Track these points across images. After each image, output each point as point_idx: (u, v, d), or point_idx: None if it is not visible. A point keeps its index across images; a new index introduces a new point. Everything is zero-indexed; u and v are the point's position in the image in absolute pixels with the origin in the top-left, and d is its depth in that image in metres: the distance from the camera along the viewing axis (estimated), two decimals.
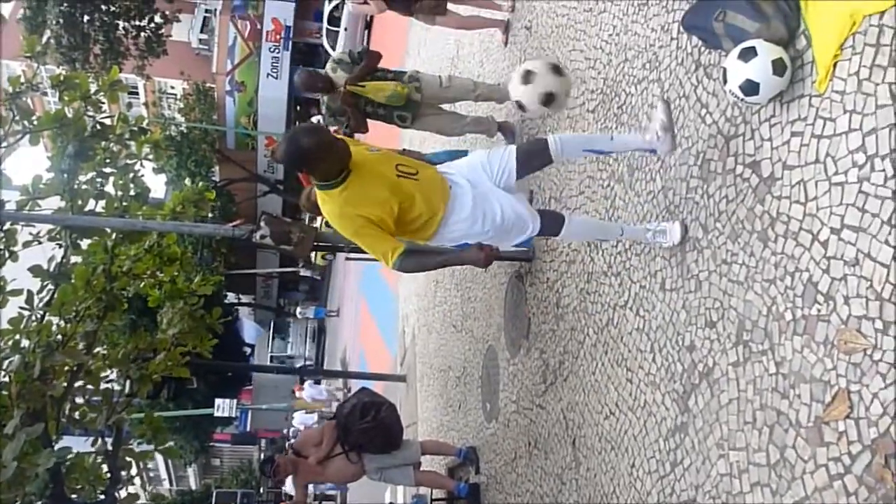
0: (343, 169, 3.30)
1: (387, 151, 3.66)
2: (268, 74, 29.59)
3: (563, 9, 5.28)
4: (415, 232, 3.54)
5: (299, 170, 3.54)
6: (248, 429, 39.23)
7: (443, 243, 3.64)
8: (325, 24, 25.31)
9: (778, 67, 2.69)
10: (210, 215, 10.37)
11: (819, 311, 2.53)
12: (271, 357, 34.28)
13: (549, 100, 3.83)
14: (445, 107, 6.05)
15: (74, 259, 6.96)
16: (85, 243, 7.03)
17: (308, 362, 31.83)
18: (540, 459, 5.13)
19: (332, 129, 5.73)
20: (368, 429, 6.37)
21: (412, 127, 5.99)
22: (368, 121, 5.91)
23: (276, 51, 29.10)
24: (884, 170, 2.32)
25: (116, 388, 7.54)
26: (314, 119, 23.27)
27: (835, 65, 2.55)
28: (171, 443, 9.71)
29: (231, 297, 41.03)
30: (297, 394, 22.40)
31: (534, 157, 3.62)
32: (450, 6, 6.51)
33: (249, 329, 45.37)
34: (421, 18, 6.50)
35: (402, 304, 12.72)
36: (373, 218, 3.32)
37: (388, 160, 3.50)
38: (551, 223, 3.62)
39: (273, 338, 35.02)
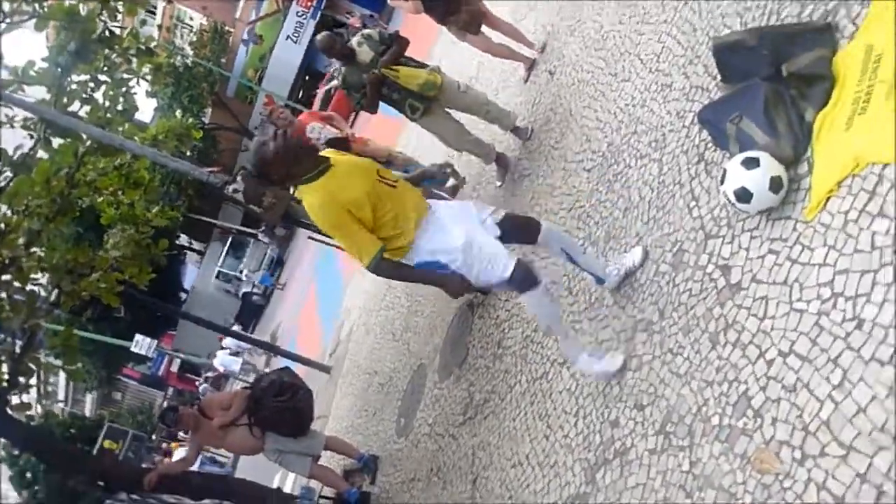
0: (320, 163, 3.34)
1: (371, 161, 3.69)
2: (288, 36, 29.41)
3: (591, 66, 5.34)
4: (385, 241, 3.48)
5: (274, 176, 3.37)
6: (160, 372, 38.51)
7: (413, 261, 3.55)
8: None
9: (775, 184, 2.75)
10: (189, 153, 10.25)
11: (745, 424, 2.57)
12: (218, 272, 31.94)
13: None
14: (455, 115, 6.06)
15: (42, 154, 6.81)
16: (57, 142, 6.90)
17: (255, 290, 30.38)
18: (437, 488, 5.11)
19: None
20: (281, 408, 6.30)
21: (419, 121, 5.98)
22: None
23: (304, 16, 28.97)
24: (844, 311, 2.37)
25: (42, 293, 7.37)
26: (319, 91, 23.19)
27: (828, 199, 2.62)
28: (80, 364, 9.52)
29: (183, 240, 40.47)
30: (223, 342, 21.54)
31: (522, 232, 3.66)
32: (483, 28, 6.56)
33: (191, 275, 44.65)
34: (453, 31, 6.53)
35: (348, 297, 12.66)
36: (353, 210, 3.29)
37: (370, 165, 3.55)
38: (524, 278, 3.48)
39: (227, 253, 32.10)
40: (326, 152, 3.52)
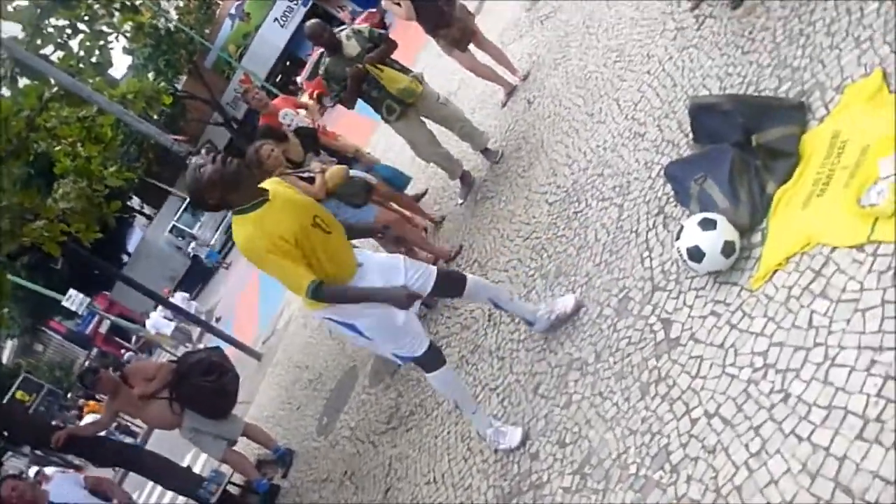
0: (257, 195, 3.17)
1: (312, 202, 3.48)
2: (276, 19, 29.22)
3: (569, 102, 5.40)
4: None
5: (209, 201, 3.17)
6: (87, 331, 37.52)
7: (330, 316, 3.42)
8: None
9: (727, 249, 2.81)
10: (156, 117, 10.09)
11: (661, 478, 2.61)
12: (173, 226, 30.07)
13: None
14: (429, 125, 6.06)
15: (5, 92, 6.64)
16: (23, 83, 6.73)
17: (210, 253, 29.10)
18: (348, 492, 5.07)
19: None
20: (205, 388, 6.19)
21: (393, 124, 5.96)
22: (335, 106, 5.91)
23: (295, 1, 28.77)
24: (773, 382, 2.43)
25: None
26: (299, 79, 22.94)
27: (775, 271, 2.68)
28: (6, 310, 9.26)
29: (135, 203, 39.69)
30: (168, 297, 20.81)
31: (450, 287, 3.68)
32: (471, 46, 6.60)
33: (136, 239, 43.67)
34: (441, 44, 6.55)
35: None
36: (285, 244, 3.11)
37: (310, 207, 3.37)
38: (433, 358, 3.51)
39: (186, 209, 29.69)
40: (268, 182, 3.34)
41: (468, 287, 3.64)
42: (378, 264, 3.51)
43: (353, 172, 5.64)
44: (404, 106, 5.79)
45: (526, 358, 3.91)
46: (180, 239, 30.67)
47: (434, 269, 3.63)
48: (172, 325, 19.05)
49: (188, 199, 32.41)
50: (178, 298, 19.92)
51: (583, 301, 3.70)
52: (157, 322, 19.50)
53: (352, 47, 5.71)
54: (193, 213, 30.07)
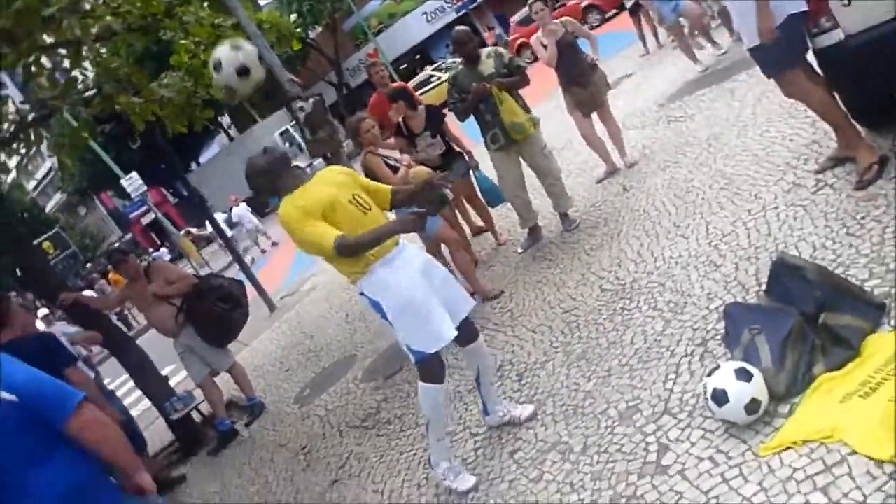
0: (301, 180, 3.47)
1: (355, 181, 3.61)
2: (425, 12, 29.70)
3: (662, 206, 5.39)
4: None
5: (263, 186, 3.50)
6: (132, 215, 38.33)
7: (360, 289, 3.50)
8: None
9: (752, 406, 2.76)
10: (278, 55, 10.33)
11: None
12: (286, 129, 31.73)
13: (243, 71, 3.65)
14: (523, 168, 6.13)
15: None
16: None
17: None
18: (297, 466, 5.09)
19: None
20: (214, 313, 6.29)
21: (492, 153, 6.01)
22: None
23: (450, 4, 29.13)
24: None
25: (81, 86, 7.44)
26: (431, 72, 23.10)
27: (788, 448, 2.63)
28: (71, 163, 9.56)
29: (225, 121, 40.69)
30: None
31: (468, 328, 3.69)
32: (594, 115, 6.68)
33: (209, 153, 44.53)
34: (567, 100, 6.66)
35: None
36: (313, 211, 3.31)
37: (351, 185, 3.52)
38: (435, 368, 3.54)
39: (296, 123, 31.57)
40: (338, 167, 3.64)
41: (475, 344, 3.73)
42: (422, 256, 3.63)
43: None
44: (509, 140, 5.86)
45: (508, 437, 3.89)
46: (287, 145, 30.60)
47: (470, 306, 3.67)
48: (255, 224, 18.49)
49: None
50: (242, 208, 19.58)
51: (539, 413, 3.75)
52: (244, 216, 19.25)
53: (487, 66, 5.81)
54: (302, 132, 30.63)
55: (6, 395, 2.40)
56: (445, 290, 3.54)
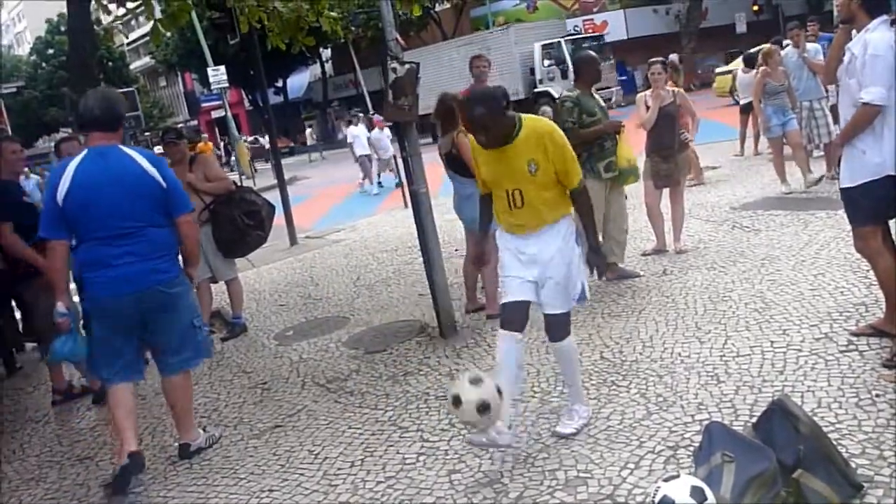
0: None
1: None
2: (543, 45, 29.01)
3: (693, 302, 5.30)
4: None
5: (484, 123, 3.52)
6: (202, 105, 38.74)
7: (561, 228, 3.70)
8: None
9: None
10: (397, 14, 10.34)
11: None
12: None
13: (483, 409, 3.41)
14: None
15: None
16: None
17: None
18: (251, 397, 5.10)
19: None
20: (236, 223, 6.35)
21: (597, 183, 5.88)
22: None
23: (568, 44, 28.47)
24: None
25: None
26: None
27: None
28: (167, 34, 9.64)
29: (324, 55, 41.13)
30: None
31: (551, 328, 3.76)
32: (665, 190, 6.62)
33: (295, 84, 44.96)
34: (645, 168, 6.54)
35: (373, 221, 12.65)
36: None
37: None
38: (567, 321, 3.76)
39: None
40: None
41: (564, 341, 3.75)
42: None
43: None
44: (611, 174, 5.97)
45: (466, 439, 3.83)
46: None
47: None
48: (391, 154, 16.28)
49: None
50: (384, 133, 17.25)
51: (513, 444, 3.63)
52: (384, 142, 17.30)
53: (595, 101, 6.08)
54: None
55: (160, 180, 3.94)
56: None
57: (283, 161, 14.44)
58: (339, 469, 3.83)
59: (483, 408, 3.32)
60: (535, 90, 27.78)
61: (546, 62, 28.08)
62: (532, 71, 28.68)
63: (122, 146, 4.01)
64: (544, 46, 28.24)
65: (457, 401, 3.38)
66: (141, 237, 3.90)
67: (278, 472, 3.92)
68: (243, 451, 4.28)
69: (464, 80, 8.28)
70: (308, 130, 42.71)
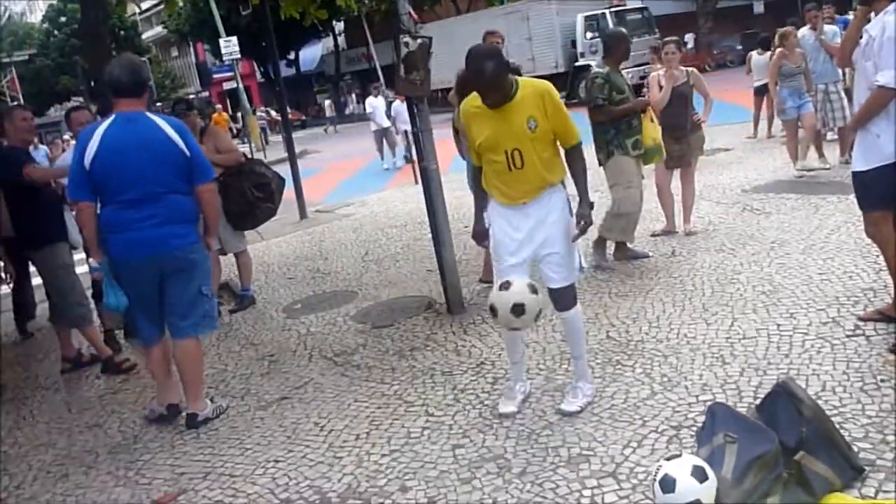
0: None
1: None
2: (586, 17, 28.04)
3: (700, 284, 5.30)
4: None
5: (493, 79, 3.49)
6: (214, 76, 38.61)
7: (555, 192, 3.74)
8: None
9: None
10: None
11: None
12: None
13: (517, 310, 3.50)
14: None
15: None
16: None
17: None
18: (259, 368, 5.13)
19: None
20: (245, 196, 6.37)
21: (625, 160, 5.93)
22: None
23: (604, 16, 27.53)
24: None
25: None
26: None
27: None
28: (181, 4, 9.59)
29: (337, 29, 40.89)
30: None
31: (556, 296, 3.81)
32: (675, 172, 6.58)
33: (308, 57, 44.65)
34: (667, 155, 6.46)
35: (385, 197, 12.65)
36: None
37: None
38: (574, 294, 3.82)
39: None
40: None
41: (572, 312, 3.82)
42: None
43: None
44: (638, 151, 5.99)
45: (471, 414, 3.87)
46: None
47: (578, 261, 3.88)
48: (403, 131, 15.77)
49: None
50: (404, 106, 16.47)
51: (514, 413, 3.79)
52: (404, 115, 15.62)
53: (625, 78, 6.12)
54: None
55: (184, 148, 4.07)
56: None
57: (295, 134, 14.42)
58: (344, 441, 3.87)
59: (518, 309, 3.39)
60: (576, 64, 26.39)
61: (589, 34, 26.27)
62: (573, 43, 27.23)
63: (148, 113, 4.17)
64: (587, 18, 26.62)
65: (493, 310, 3.49)
66: (163, 202, 4.07)
67: (284, 444, 3.96)
68: (250, 422, 4.32)
69: None
70: (327, 102, 42.43)
